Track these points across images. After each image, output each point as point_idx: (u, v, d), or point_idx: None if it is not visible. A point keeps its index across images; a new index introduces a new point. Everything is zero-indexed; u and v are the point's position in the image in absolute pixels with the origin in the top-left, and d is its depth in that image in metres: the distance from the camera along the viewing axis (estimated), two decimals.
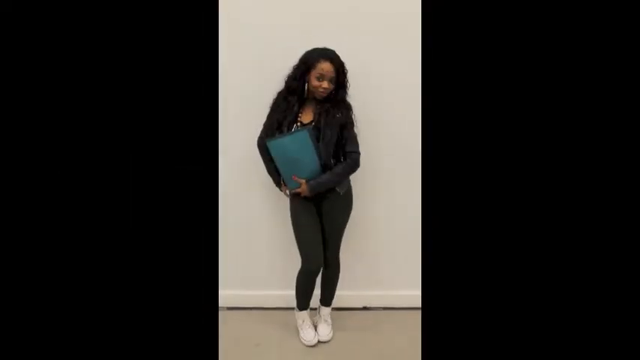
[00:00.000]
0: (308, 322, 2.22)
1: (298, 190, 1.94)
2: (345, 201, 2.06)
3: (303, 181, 1.92)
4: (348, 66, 1.89)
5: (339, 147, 1.94)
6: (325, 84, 1.83)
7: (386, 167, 2.28)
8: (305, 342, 2.16)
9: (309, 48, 1.87)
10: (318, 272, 2.12)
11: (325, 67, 1.82)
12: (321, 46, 1.86)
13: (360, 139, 1.96)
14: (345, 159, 1.96)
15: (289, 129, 1.89)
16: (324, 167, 1.93)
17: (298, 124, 1.91)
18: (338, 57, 1.85)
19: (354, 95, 2.00)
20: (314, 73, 1.83)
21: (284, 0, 2.05)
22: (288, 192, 2.07)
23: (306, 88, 1.89)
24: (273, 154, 1.90)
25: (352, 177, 2.09)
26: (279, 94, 1.93)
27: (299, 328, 2.22)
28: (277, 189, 2.14)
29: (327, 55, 1.83)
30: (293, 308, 2.27)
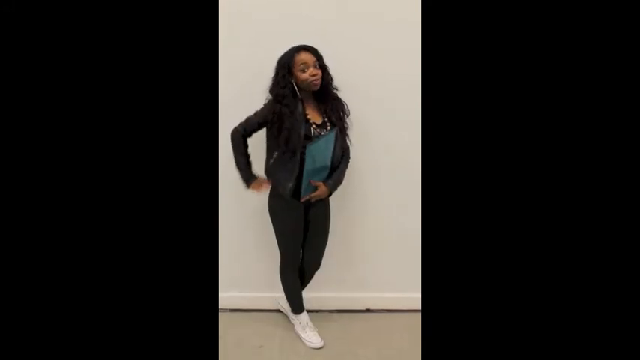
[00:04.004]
0: (310, 323, 2.20)
1: (315, 193, 1.92)
2: (328, 200, 2.08)
3: (321, 183, 1.92)
4: (348, 66, 1.87)
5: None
6: (312, 70, 1.79)
7: (387, 167, 2.27)
8: (312, 345, 2.13)
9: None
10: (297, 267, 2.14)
11: (304, 56, 1.79)
12: (320, 46, 1.86)
13: (360, 140, 1.94)
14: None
15: (307, 132, 1.83)
16: (332, 168, 1.93)
17: (313, 125, 1.86)
18: (311, 47, 1.82)
19: (354, 96, 2.00)
20: (297, 68, 1.79)
21: (284, 0, 2.06)
22: (257, 189, 1.96)
23: (296, 89, 1.83)
24: (307, 159, 1.82)
25: (354, 177, 2.08)
26: (271, 103, 1.84)
27: (300, 332, 2.19)
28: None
29: (301, 47, 1.80)
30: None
